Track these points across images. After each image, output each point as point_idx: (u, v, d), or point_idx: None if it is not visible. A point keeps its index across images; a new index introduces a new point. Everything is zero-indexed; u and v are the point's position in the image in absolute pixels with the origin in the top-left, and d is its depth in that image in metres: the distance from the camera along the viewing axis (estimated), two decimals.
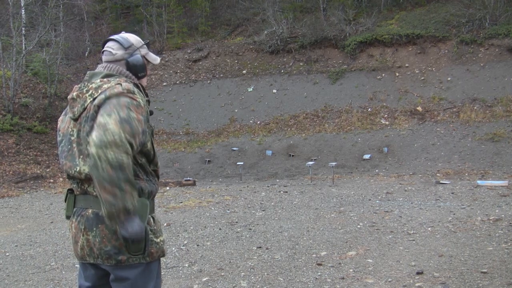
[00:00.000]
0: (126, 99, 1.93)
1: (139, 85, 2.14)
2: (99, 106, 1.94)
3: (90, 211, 2.01)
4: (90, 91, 2.01)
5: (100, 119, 1.86)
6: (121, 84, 1.99)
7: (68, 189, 2.14)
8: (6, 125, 16.60)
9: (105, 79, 2.05)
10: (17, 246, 6.51)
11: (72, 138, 2.05)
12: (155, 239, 2.04)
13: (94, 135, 1.81)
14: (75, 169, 2.02)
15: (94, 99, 1.97)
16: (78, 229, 2.04)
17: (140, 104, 1.97)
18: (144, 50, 2.24)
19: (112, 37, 2.20)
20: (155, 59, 2.29)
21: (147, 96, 2.19)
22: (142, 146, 2.00)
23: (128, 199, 1.81)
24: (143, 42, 2.26)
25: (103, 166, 1.78)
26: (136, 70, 2.17)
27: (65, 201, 2.14)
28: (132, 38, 2.22)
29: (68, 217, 2.12)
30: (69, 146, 2.07)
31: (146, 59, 2.25)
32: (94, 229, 1.99)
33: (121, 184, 1.79)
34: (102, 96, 1.96)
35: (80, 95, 2.05)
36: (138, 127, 1.90)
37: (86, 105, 2.00)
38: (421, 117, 16.70)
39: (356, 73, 19.47)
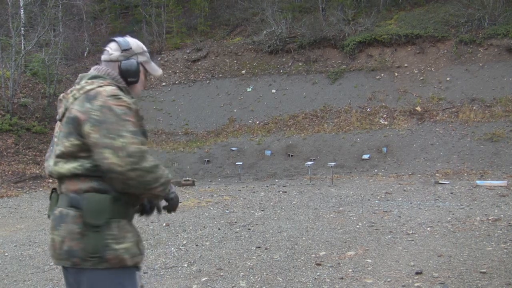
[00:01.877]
0: (119, 111, 1.90)
1: (123, 88, 2.07)
2: (84, 114, 1.89)
3: (58, 209, 1.98)
4: (73, 92, 2.01)
5: (105, 141, 1.84)
6: (105, 89, 1.95)
7: (53, 188, 2.12)
8: (5, 125, 16.59)
9: (89, 81, 2.03)
10: (16, 246, 6.50)
11: (56, 139, 2.04)
12: (114, 245, 1.94)
13: (119, 163, 1.82)
14: (49, 168, 2.04)
15: (75, 99, 1.96)
16: (50, 228, 2.04)
17: (131, 108, 1.95)
18: (143, 58, 2.17)
19: (114, 37, 2.18)
20: (155, 70, 2.23)
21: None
22: None
23: (166, 174, 1.97)
24: (144, 49, 2.20)
25: (146, 179, 1.88)
26: (127, 74, 2.11)
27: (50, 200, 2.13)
28: (133, 42, 2.17)
29: (48, 217, 2.09)
30: (51, 148, 2.09)
31: (144, 68, 2.19)
32: (58, 228, 1.95)
33: (160, 173, 1.93)
34: (88, 106, 1.90)
35: (66, 96, 2.05)
36: (139, 133, 1.93)
37: (67, 105, 1.99)
38: (420, 117, 16.71)
39: (355, 73, 19.47)
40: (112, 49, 2.12)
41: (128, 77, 2.11)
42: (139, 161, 1.85)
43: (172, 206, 2.23)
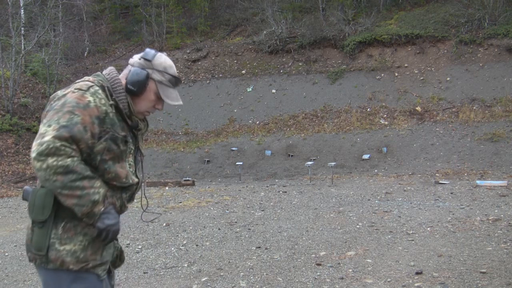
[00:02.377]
0: (72, 101, 1.85)
1: (106, 88, 1.97)
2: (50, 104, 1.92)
3: None
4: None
5: (41, 128, 1.83)
6: (79, 83, 1.96)
7: None
8: (5, 125, 16.59)
9: (86, 77, 2.05)
10: (16, 246, 6.50)
11: None
12: (57, 245, 1.88)
13: (33, 148, 1.78)
14: None
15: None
16: None
17: (89, 105, 1.86)
18: (158, 76, 2.04)
19: (150, 48, 2.12)
20: (170, 97, 2.07)
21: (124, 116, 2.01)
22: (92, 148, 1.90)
23: (92, 193, 1.82)
24: (168, 72, 2.05)
25: (51, 178, 1.77)
26: (130, 81, 2.02)
27: None
28: (159, 58, 2.06)
29: None
30: None
31: (157, 88, 2.05)
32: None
33: (77, 184, 1.79)
34: (57, 92, 1.96)
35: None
36: (83, 131, 1.83)
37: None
38: (420, 117, 16.71)
39: (355, 73, 19.47)
40: (138, 55, 2.10)
41: (130, 84, 2.02)
42: (47, 153, 1.75)
43: (99, 235, 1.90)
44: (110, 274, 2.15)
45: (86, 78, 2.02)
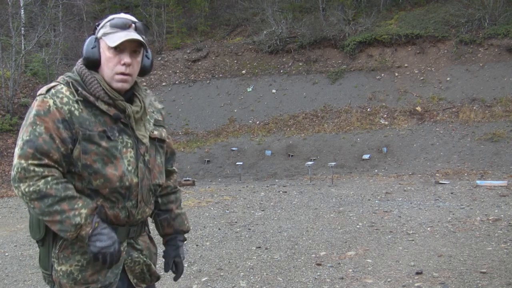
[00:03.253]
0: (33, 111, 1.70)
1: (72, 82, 1.76)
2: None
3: None
4: None
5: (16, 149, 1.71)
6: (45, 85, 1.80)
7: None
8: (6, 125, 16.59)
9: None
10: (16, 246, 6.50)
11: None
12: (56, 265, 1.76)
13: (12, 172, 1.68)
14: None
15: None
16: None
17: (50, 110, 1.68)
18: (104, 30, 1.79)
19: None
20: (112, 39, 1.74)
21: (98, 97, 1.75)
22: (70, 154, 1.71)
23: (72, 216, 1.63)
24: (110, 19, 1.81)
25: (30, 205, 1.65)
26: (85, 54, 1.79)
27: None
28: (106, 19, 1.83)
29: None
30: None
31: (105, 42, 1.76)
32: None
33: (55, 208, 1.63)
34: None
35: None
36: (50, 141, 1.66)
37: None
38: (420, 117, 16.71)
39: (356, 73, 19.47)
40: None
41: (85, 58, 1.79)
42: (18, 178, 1.63)
43: (96, 259, 1.69)
44: None
45: (59, 77, 1.83)
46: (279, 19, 21.81)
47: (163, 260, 2.10)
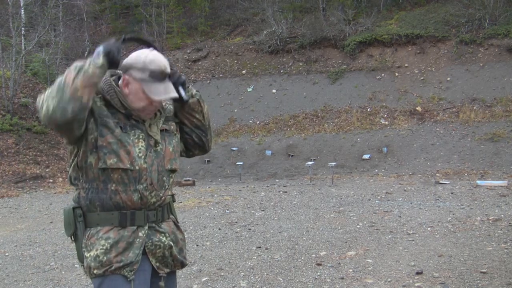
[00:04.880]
0: None
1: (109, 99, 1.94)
2: None
3: None
4: None
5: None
6: None
7: None
8: (6, 125, 16.59)
9: None
10: (17, 246, 6.51)
11: None
12: (86, 254, 1.93)
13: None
14: None
15: None
16: None
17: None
18: (139, 74, 1.92)
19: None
20: (153, 92, 1.91)
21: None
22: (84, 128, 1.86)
23: (73, 68, 1.78)
24: (147, 68, 1.91)
25: (59, 93, 1.75)
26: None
27: None
28: (141, 55, 1.95)
29: None
30: None
31: (141, 86, 1.92)
32: None
33: (75, 74, 1.76)
34: None
35: None
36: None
37: None
38: (420, 117, 16.71)
39: (356, 73, 19.47)
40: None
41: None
42: (42, 106, 1.80)
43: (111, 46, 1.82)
44: (158, 275, 2.02)
45: None
46: (279, 19, 21.81)
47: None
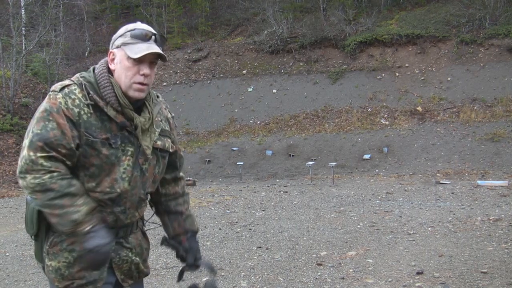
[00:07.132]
0: (45, 106, 1.74)
1: (85, 85, 1.79)
2: None
3: None
4: None
5: (24, 141, 1.75)
6: (59, 82, 1.85)
7: None
8: (6, 125, 16.60)
9: None
10: (17, 246, 6.51)
11: None
12: (46, 261, 1.84)
13: (19, 163, 1.72)
14: None
15: None
16: None
17: (61, 108, 1.72)
18: (121, 39, 1.82)
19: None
20: (134, 50, 1.78)
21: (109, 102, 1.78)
22: (81, 154, 1.76)
23: (71, 212, 1.68)
24: (129, 29, 1.83)
25: (32, 196, 1.70)
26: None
27: None
28: (122, 29, 1.86)
29: None
30: None
31: (125, 51, 1.80)
32: None
33: (56, 203, 1.67)
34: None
35: None
36: (61, 136, 1.70)
37: None
38: (421, 117, 16.70)
39: (356, 73, 19.46)
40: None
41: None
42: (25, 169, 1.67)
43: (84, 256, 1.73)
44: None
45: (74, 76, 1.86)
46: (280, 19, 21.81)
47: (188, 255, 2.12)
